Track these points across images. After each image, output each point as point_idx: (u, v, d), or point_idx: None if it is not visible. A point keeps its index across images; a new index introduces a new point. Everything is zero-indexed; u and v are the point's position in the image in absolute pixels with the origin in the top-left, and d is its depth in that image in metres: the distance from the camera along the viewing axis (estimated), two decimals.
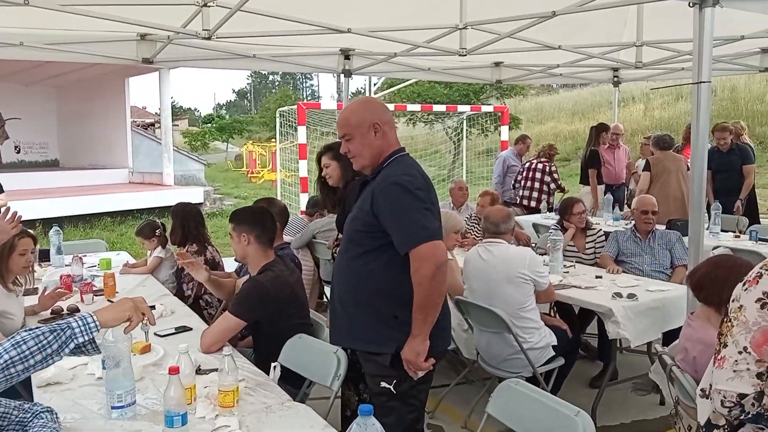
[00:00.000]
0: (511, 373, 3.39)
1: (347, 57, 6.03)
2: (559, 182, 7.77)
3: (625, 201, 7.76)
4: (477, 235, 5.52)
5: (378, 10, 4.77)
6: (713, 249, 4.89)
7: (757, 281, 1.60)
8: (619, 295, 3.66)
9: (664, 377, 2.57)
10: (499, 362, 3.52)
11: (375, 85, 13.73)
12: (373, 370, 2.38)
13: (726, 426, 1.61)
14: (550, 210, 7.19)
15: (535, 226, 6.42)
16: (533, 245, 5.88)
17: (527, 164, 7.93)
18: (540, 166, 7.70)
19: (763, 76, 14.63)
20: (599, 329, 4.14)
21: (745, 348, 1.56)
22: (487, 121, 17.25)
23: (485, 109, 13.90)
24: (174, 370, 1.87)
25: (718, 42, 5.28)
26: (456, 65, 6.70)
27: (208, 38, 4.29)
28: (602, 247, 4.89)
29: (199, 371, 2.37)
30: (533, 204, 7.63)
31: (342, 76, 6.23)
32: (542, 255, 4.65)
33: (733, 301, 1.65)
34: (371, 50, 5.90)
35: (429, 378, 2.39)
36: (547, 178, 7.62)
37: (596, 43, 6.00)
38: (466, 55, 5.16)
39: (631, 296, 3.62)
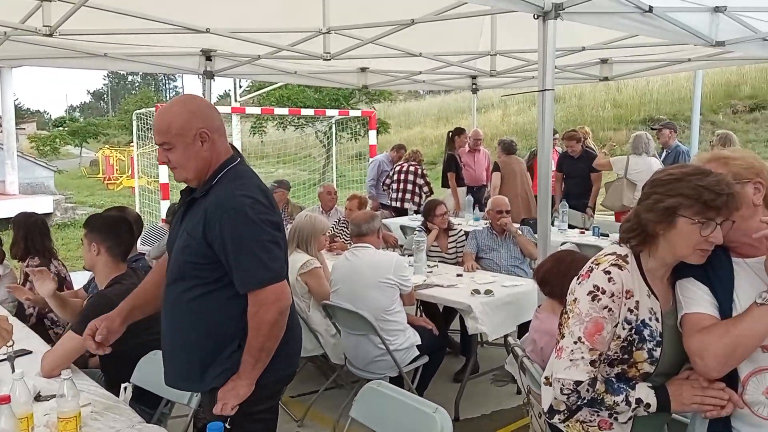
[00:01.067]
0: (378, 374, 3.44)
1: (209, 58, 5.84)
2: (431, 185, 7.99)
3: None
4: (346, 239, 5.56)
5: (238, 10, 4.66)
6: (561, 244, 5.29)
7: (589, 275, 1.73)
8: (477, 291, 3.84)
9: (517, 368, 2.73)
10: (367, 364, 3.56)
11: (241, 87, 13.42)
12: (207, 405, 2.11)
13: (566, 411, 1.74)
14: (416, 212, 7.39)
15: (403, 228, 6.58)
16: (400, 246, 6.04)
17: (398, 167, 8.10)
18: (411, 168, 7.87)
19: (605, 84, 16.11)
20: (461, 325, 4.31)
21: (579, 338, 1.68)
22: (357, 125, 17.47)
23: (353, 113, 14.07)
24: (4, 399, 1.70)
25: (562, 53, 5.72)
26: (323, 69, 6.70)
27: (50, 35, 3.97)
28: (463, 246, 5.12)
29: (38, 398, 2.17)
30: (406, 205, 7.80)
31: (204, 77, 6.02)
32: (409, 256, 4.79)
33: (569, 294, 1.78)
34: (234, 52, 5.75)
35: (268, 408, 2.14)
36: (420, 180, 7.79)
37: (455, 51, 6.28)
38: (330, 59, 5.20)
39: (488, 292, 3.82)
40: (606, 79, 6.91)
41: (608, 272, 1.70)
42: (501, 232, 4.98)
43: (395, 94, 26.39)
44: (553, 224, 6.23)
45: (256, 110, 13.87)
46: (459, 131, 8.17)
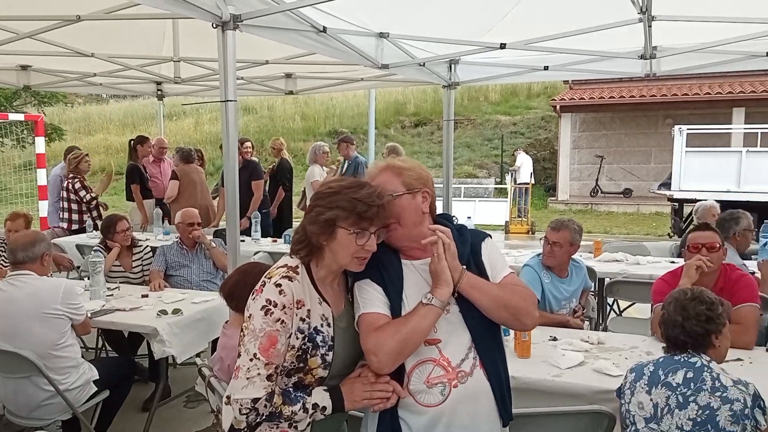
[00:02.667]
0: (47, 420, 3.00)
1: None
2: (87, 197, 6.87)
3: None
4: (5, 264, 4.74)
5: None
6: (254, 254, 5.34)
7: (262, 290, 1.73)
8: (164, 312, 3.61)
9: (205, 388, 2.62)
10: (31, 411, 3.05)
11: None
12: None
13: (246, 429, 1.70)
14: (96, 228, 6.65)
15: (80, 247, 5.89)
16: (77, 268, 5.41)
17: (64, 183, 7.13)
18: (71, 185, 6.83)
19: (294, 97, 16.87)
20: (149, 349, 4.03)
21: (255, 355, 1.67)
22: (24, 130, 15.18)
23: (14, 117, 12.17)
24: None
25: (247, 64, 5.79)
26: None
27: None
28: (150, 263, 4.79)
29: None
30: (75, 227, 6.88)
31: None
32: (88, 279, 4.29)
33: (246, 310, 1.75)
34: None
35: None
36: (84, 194, 6.81)
37: (136, 54, 5.88)
38: None
39: (176, 312, 3.62)
40: (291, 92, 7.22)
41: (279, 285, 1.72)
42: (192, 245, 4.79)
43: (72, 97, 23.72)
44: (248, 234, 6.28)
45: None
46: (142, 140, 7.65)
